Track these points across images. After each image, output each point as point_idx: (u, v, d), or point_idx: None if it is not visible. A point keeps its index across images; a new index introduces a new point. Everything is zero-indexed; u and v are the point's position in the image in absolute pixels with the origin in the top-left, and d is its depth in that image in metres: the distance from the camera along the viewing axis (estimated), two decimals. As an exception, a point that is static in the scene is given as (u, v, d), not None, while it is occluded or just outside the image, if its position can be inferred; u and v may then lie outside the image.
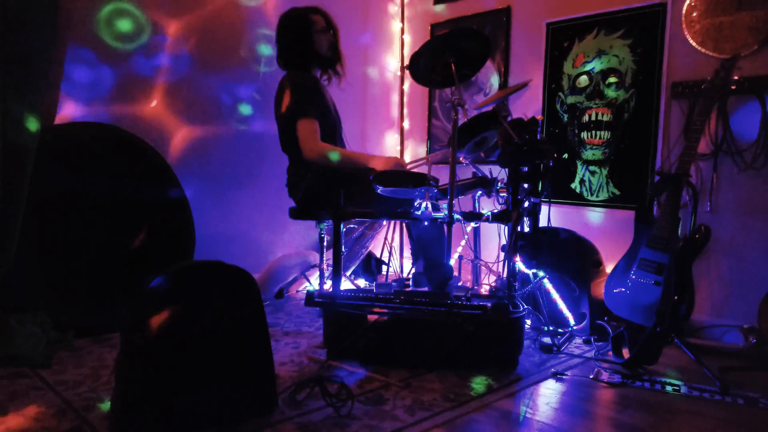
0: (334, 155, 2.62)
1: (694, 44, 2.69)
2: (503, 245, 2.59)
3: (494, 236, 3.06)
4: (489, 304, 2.14)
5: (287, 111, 2.66)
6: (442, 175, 3.27)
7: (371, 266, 3.50)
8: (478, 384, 2.01)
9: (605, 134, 3.08)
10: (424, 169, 2.98)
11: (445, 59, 2.54)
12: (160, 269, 1.68)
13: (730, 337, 2.60)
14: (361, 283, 3.39)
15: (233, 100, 3.33)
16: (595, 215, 3.12)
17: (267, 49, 3.39)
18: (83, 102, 2.72)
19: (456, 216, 2.38)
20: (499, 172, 2.75)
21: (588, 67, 3.11)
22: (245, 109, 3.38)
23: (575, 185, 3.20)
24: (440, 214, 2.45)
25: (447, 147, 3.41)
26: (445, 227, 2.43)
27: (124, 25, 2.84)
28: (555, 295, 2.59)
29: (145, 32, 2.92)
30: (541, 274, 2.55)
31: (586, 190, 3.17)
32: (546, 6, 3.30)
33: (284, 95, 2.70)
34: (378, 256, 3.48)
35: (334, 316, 2.26)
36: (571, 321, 2.57)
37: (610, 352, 2.31)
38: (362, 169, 2.61)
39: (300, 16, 2.82)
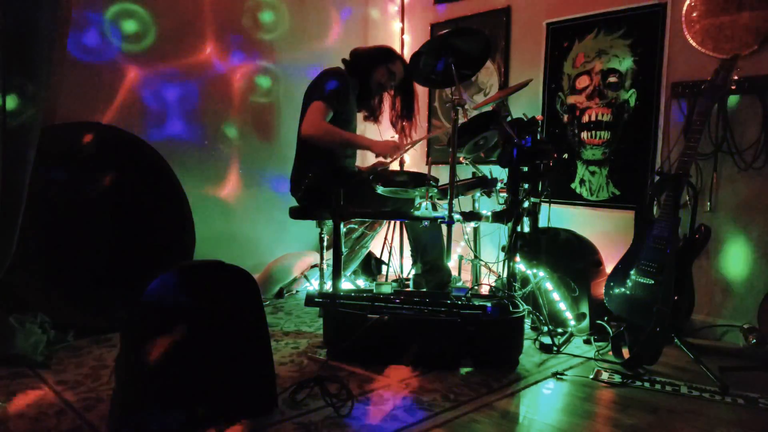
0: (332, 132, 2.71)
1: (694, 44, 2.69)
2: (503, 245, 2.59)
3: (494, 236, 3.06)
4: (489, 304, 2.14)
5: (312, 94, 2.80)
6: (442, 175, 3.27)
7: (371, 266, 3.50)
8: (478, 384, 2.01)
9: (605, 134, 3.08)
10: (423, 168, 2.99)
11: (445, 59, 2.54)
12: (160, 269, 1.68)
13: (730, 337, 2.59)
14: (361, 283, 3.39)
15: (237, 102, 3.33)
16: (595, 215, 3.12)
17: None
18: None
19: (456, 216, 2.38)
20: (500, 173, 2.75)
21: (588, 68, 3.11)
22: (247, 111, 3.38)
23: (575, 185, 3.20)
24: (440, 214, 2.45)
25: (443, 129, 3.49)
26: (444, 228, 2.43)
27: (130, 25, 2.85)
28: (555, 295, 2.59)
29: (151, 31, 2.93)
30: (541, 274, 2.55)
31: (586, 190, 3.17)
32: (546, 6, 3.29)
33: (318, 82, 2.84)
34: (378, 256, 3.48)
35: (334, 316, 2.26)
36: (571, 321, 2.57)
37: (610, 352, 2.31)
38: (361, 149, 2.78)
39: (391, 52, 3.00)
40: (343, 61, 3.01)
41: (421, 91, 3.99)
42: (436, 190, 2.49)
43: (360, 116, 3.14)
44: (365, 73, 2.97)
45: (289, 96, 3.46)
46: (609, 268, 2.53)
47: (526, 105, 3.34)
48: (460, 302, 2.21)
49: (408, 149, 3.05)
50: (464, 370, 2.13)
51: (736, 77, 2.48)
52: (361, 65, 2.97)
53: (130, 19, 2.86)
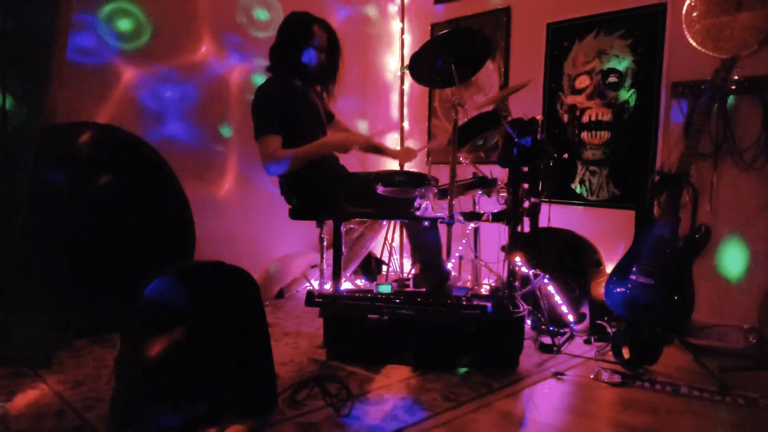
0: (295, 158, 2.59)
1: (694, 44, 2.69)
2: (503, 245, 2.59)
3: (494, 236, 3.05)
4: (489, 304, 2.14)
5: (254, 130, 2.66)
6: (442, 175, 3.27)
7: (371, 266, 3.50)
8: (478, 384, 2.01)
9: (605, 134, 3.08)
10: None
11: (445, 60, 2.54)
12: (160, 269, 1.68)
13: (730, 338, 2.59)
14: (361, 283, 3.39)
15: (234, 102, 3.32)
16: (595, 215, 3.11)
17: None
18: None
19: (456, 216, 2.38)
20: (500, 173, 2.75)
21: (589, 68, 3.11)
22: (245, 110, 3.38)
23: (575, 185, 3.20)
24: (440, 214, 2.45)
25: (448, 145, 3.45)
26: (443, 228, 2.43)
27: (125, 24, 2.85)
28: (555, 295, 2.59)
29: (146, 32, 2.92)
30: (541, 274, 2.55)
31: (586, 190, 3.17)
32: (546, 6, 3.30)
33: (252, 110, 2.68)
34: (378, 256, 3.48)
35: (334, 316, 2.26)
36: (572, 321, 2.57)
37: (610, 352, 2.31)
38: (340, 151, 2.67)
39: (303, 23, 2.71)
40: (268, 69, 2.77)
41: (421, 91, 4.01)
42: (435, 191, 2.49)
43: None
44: (296, 66, 2.72)
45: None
46: (609, 268, 2.53)
47: (526, 105, 3.34)
48: (460, 302, 2.20)
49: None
50: (463, 370, 2.13)
51: (736, 77, 2.49)
52: (285, 61, 2.71)
53: (125, 19, 2.86)
